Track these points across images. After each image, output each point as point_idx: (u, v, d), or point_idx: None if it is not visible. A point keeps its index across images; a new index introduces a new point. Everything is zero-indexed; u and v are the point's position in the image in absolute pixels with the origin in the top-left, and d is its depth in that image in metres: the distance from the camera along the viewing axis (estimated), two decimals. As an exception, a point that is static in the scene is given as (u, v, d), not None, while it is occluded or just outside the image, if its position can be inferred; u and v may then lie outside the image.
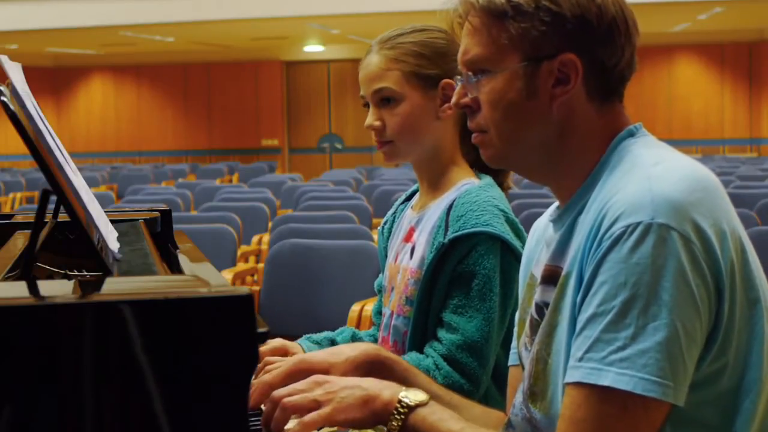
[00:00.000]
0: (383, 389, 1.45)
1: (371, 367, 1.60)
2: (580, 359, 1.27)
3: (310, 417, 1.41)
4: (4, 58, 1.43)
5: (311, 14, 13.66)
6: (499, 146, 1.45)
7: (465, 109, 1.48)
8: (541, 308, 1.46)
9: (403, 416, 1.42)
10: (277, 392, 1.46)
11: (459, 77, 1.48)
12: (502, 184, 2.11)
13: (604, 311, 1.26)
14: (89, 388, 1.15)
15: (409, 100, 2.05)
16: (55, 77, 20.04)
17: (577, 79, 1.40)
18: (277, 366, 1.59)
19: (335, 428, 1.53)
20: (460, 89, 1.48)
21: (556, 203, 1.50)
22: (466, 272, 1.96)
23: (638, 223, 1.26)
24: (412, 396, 1.43)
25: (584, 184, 1.42)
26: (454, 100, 1.49)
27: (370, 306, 3.74)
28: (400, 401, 1.43)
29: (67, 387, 1.14)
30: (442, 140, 2.07)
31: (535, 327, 1.47)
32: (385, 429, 1.43)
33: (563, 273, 1.39)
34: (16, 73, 1.46)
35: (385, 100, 2.06)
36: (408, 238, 2.12)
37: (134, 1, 13.52)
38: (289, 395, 1.44)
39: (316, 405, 1.43)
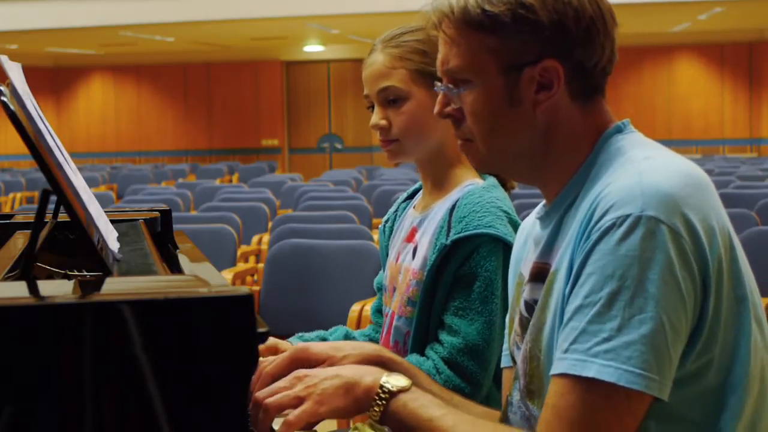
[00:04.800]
0: (364, 375, 1.43)
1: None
2: (566, 350, 1.28)
3: (293, 416, 1.39)
4: (4, 58, 1.43)
5: (311, 14, 13.66)
6: (485, 155, 1.45)
7: (448, 118, 1.47)
8: (530, 306, 1.46)
9: (384, 402, 1.40)
10: (259, 393, 1.44)
11: (439, 84, 1.47)
12: (505, 184, 2.10)
13: (590, 302, 1.27)
14: (89, 387, 1.15)
15: (415, 98, 2.04)
16: (55, 77, 20.03)
17: (559, 83, 1.39)
18: (274, 360, 1.58)
19: None
20: (442, 98, 1.47)
21: (543, 201, 1.50)
22: (468, 274, 1.95)
23: (628, 216, 1.26)
24: (393, 381, 1.41)
25: (571, 181, 1.42)
26: (436, 109, 1.48)
27: (370, 306, 3.74)
28: (381, 386, 1.41)
29: (67, 387, 1.14)
30: (447, 139, 2.06)
31: (524, 325, 1.47)
32: (369, 415, 1.42)
33: (551, 270, 1.40)
34: (16, 73, 1.46)
35: (391, 99, 2.05)
36: (410, 238, 2.11)
37: (134, 1, 13.52)
38: (271, 395, 1.42)
39: (298, 401, 1.41)
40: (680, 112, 18.58)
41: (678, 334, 1.26)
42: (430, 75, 2.01)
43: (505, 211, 1.99)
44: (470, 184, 2.05)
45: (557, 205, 1.44)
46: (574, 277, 1.31)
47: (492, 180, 2.07)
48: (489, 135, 1.43)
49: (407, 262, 2.09)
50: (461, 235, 1.95)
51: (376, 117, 2.07)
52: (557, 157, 1.43)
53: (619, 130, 1.43)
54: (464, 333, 1.94)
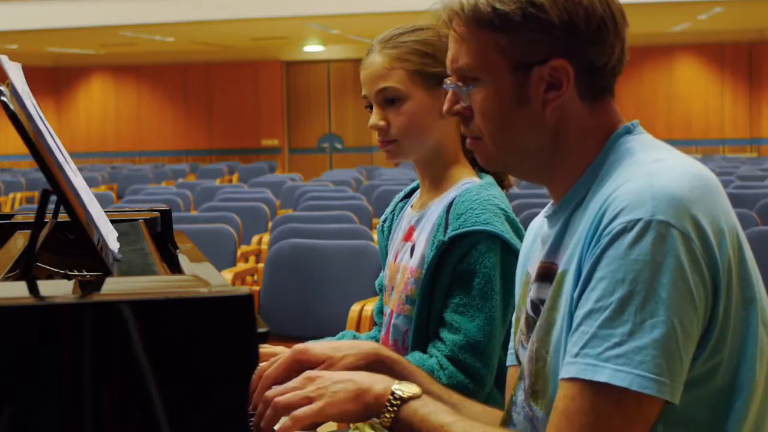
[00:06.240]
0: (375, 382, 1.45)
1: (370, 367, 1.60)
2: (576, 355, 1.28)
3: (301, 411, 1.41)
4: (4, 58, 1.43)
5: (311, 14, 13.66)
6: (494, 153, 1.45)
7: (457, 116, 1.47)
8: (536, 305, 1.46)
9: (395, 408, 1.41)
10: (269, 392, 1.46)
11: (449, 82, 1.47)
12: (502, 183, 2.11)
13: (601, 307, 1.26)
14: (89, 388, 1.15)
15: (414, 99, 2.04)
16: (55, 77, 20.03)
17: (568, 83, 1.39)
18: (273, 361, 1.58)
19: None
20: (451, 96, 1.47)
21: (552, 201, 1.50)
22: (467, 271, 1.96)
23: (638, 220, 1.26)
24: (404, 389, 1.43)
25: (580, 181, 1.42)
26: (445, 107, 1.48)
27: (370, 306, 3.74)
28: (392, 393, 1.42)
29: (67, 387, 1.14)
30: (445, 139, 2.07)
31: (530, 324, 1.47)
32: (378, 422, 1.43)
33: (559, 270, 1.39)
34: (16, 73, 1.46)
35: (389, 100, 2.05)
36: (408, 236, 2.12)
37: (134, 1, 13.52)
38: (281, 394, 1.44)
39: (308, 402, 1.42)
40: (680, 112, 18.58)
41: (689, 338, 1.25)
42: (429, 75, 2.02)
43: (502, 209, 1.99)
44: (467, 183, 2.06)
45: (565, 205, 1.44)
46: (584, 281, 1.30)
47: (489, 178, 2.07)
48: (498, 133, 1.43)
49: (405, 260, 2.09)
50: (459, 231, 1.96)
51: (375, 118, 2.07)
52: (566, 157, 1.43)
53: (629, 131, 1.43)
54: (465, 330, 1.94)
